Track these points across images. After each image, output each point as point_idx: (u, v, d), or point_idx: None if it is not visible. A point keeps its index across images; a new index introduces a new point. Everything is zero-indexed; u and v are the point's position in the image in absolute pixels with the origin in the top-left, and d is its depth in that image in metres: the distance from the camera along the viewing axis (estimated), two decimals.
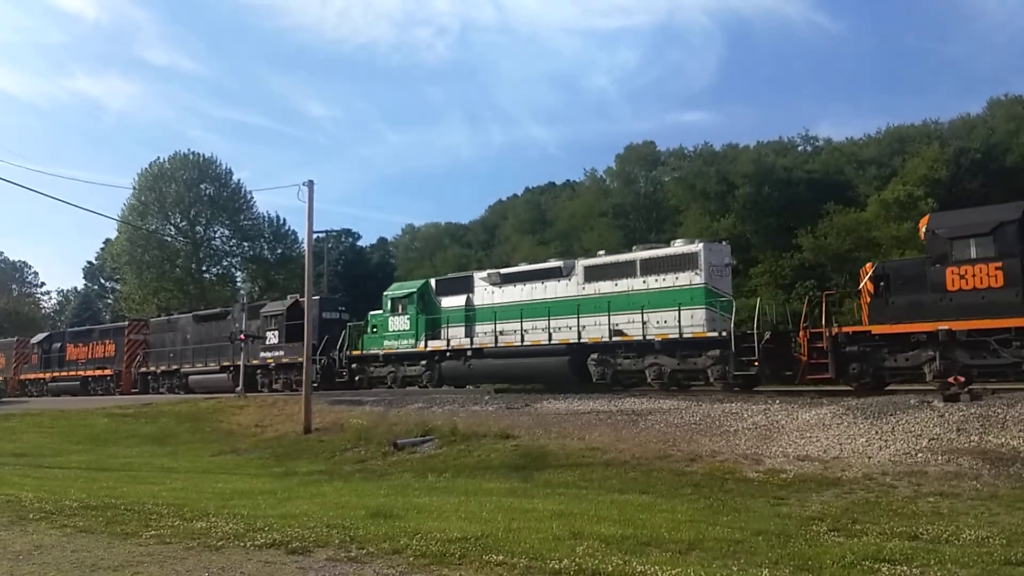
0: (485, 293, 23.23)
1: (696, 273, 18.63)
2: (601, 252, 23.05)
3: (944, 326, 14.75)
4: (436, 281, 25.42)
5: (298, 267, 51.39)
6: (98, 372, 38.30)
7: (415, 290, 25.02)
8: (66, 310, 77.69)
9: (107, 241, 67.06)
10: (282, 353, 28.70)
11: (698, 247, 18.98)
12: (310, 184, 20.15)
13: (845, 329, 16.46)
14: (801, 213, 38.56)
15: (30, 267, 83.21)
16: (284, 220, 60.91)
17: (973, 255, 14.89)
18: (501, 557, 5.72)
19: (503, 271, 23.56)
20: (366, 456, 14.92)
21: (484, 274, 23.76)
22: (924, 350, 15.25)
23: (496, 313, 22.46)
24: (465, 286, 23.98)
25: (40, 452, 17.90)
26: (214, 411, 22.73)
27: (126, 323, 39.51)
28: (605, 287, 20.27)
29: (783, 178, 42.56)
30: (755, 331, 17.18)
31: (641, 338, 19.11)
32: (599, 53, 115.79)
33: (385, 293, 26.18)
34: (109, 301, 71.63)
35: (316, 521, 7.42)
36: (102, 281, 75.11)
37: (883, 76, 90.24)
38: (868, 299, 16.35)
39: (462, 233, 67.88)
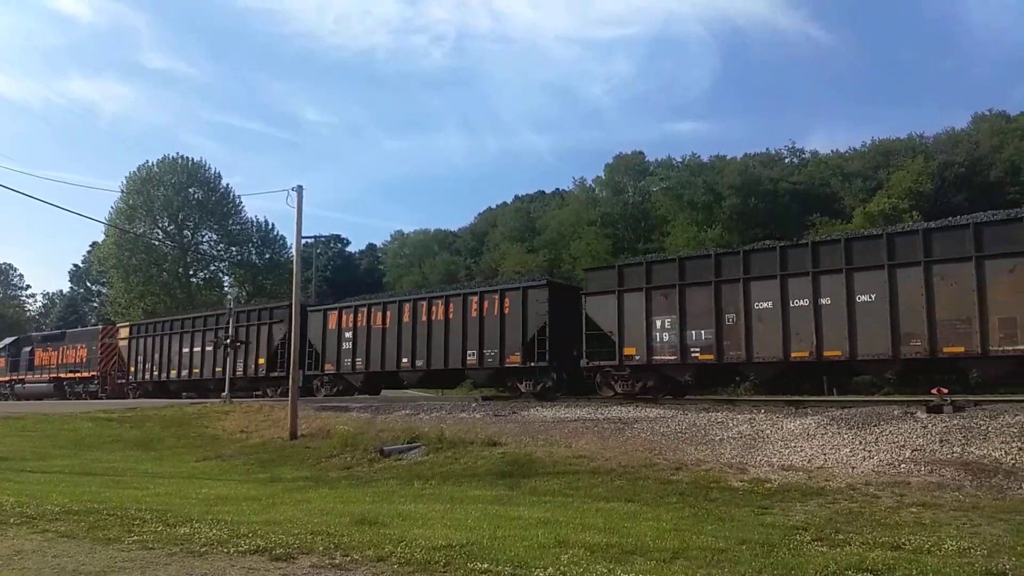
0: None
1: None
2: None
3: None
4: None
5: (286, 272, 51.17)
6: None
7: None
8: (51, 313, 77.00)
9: (94, 244, 66.65)
10: None
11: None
12: (299, 189, 20.13)
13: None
14: (787, 224, 38.86)
15: (15, 269, 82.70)
16: (272, 225, 60.84)
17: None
18: (486, 565, 5.72)
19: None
20: (352, 463, 14.84)
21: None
22: None
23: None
24: None
25: (22, 456, 17.68)
26: (199, 416, 22.59)
27: None
28: None
29: (769, 190, 42.90)
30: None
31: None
32: (595, 62, 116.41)
33: None
34: (95, 304, 71.06)
35: (300, 528, 7.39)
36: (88, 284, 74.55)
37: (871, 89, 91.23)
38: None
39: (451, 240, 67.90)
